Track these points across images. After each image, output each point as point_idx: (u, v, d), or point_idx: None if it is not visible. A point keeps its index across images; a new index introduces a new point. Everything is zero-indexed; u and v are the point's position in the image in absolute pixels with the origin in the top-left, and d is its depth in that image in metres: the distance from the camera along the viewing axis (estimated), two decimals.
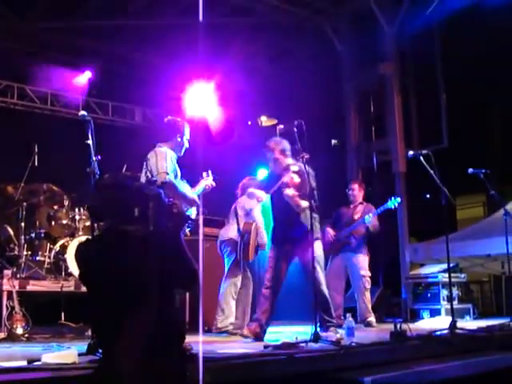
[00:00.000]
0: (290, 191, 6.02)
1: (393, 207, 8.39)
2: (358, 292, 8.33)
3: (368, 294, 8.37)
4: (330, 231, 8.47)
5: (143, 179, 5.45)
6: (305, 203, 6.02)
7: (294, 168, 6.14)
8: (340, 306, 8.35)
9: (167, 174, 5.43)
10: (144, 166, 5.63)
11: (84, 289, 3.53)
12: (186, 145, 5.91)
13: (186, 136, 5.93)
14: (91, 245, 3.51)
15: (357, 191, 8.77)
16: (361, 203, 8.75)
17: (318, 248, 6.26)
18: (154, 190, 3.11)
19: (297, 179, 6.07)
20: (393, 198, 8.38)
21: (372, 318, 8.25)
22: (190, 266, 3.28)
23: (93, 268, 3.11)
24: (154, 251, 2.89)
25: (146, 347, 2.79)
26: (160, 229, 3.11)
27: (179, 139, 5.83)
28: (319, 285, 6.10)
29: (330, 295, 8.21)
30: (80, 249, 3.54)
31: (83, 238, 7.72)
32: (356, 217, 8.58)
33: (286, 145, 6.31)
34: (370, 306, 8.35)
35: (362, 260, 8.47)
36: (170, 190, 5.34)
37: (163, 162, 5.50)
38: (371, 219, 8.33)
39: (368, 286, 8.39)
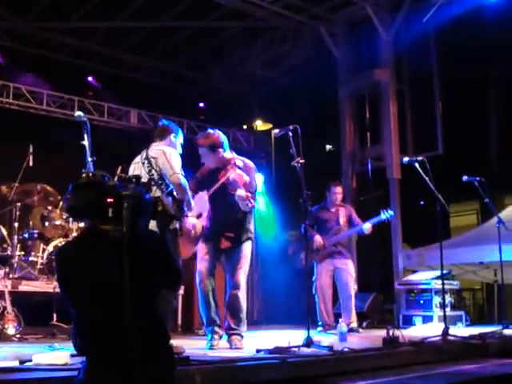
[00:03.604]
0: (241, 192, 5.77)
1: (386, 220, 8.38)
2: (347, 297, 8.28)
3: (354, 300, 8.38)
4: (320, 239, 8.40)
5: (145, 178, 5.36)
6: (254, 202, 5.90)
7: (239, 163, 6.05)
8: (331, 312, 8.36)
9: (182, 175, 5.39)
10: (146, 165, 5.50)
11: None
12: (179, 149, 5.84)
13: (180, 140, 5.86)
14: (70, 246, 3.49)
15: (341, 195, 8.72)
16: (341, 205, 8.72)
17: (249, 249, 6.11)
18: (132, 189, 3.07)
19: (246, 177, 5.97)
20: (386, 212, 8.36)
21: (355, 324, 8.24)
22: (173, 266, 3.26)
23: (70, 269, 3.08)
24: (131, 251, 2.86)
25: (128, 349, 2.77)
26: (139, 228, 3.08)
27: (173, 139, 5.77)
28: (236, 288, 5.92)
29: (321, 304, 8.28)
30: (58, 251, 3.53)
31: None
32: (342, 221, 8.54)
33: (224, 137, 6.13)
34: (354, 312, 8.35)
35: (351, 265, 8.49)
36: (181, 192, 5.31)
37: (176, 162, 5.41)
38: (369, 228, 8.34)
39: (355, 291, 8.43)
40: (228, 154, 6.12)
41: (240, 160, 6.12)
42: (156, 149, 5.58)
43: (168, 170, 5.35)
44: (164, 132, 5.80)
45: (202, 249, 6.08)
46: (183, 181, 5.35)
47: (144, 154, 5.62)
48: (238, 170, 5.97)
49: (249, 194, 5.76)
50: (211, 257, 6.04)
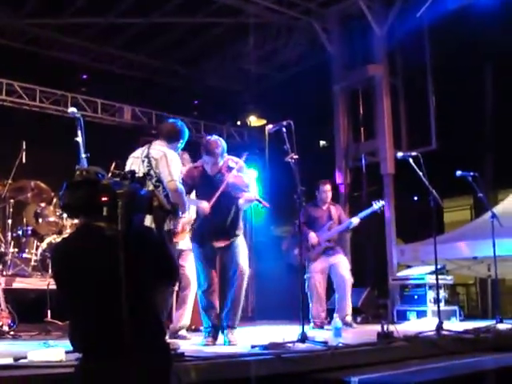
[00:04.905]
0: (249, 195, 5.92)
1: (378, 210, 8.38)
2: (343, 291, 8.26)
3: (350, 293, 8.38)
4: (314, 236, 8.38)
5: (141, 174, 5.33)
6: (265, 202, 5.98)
7: (232, 164, 6.02)
8: (324, 309, 8.35)
9: (179, 182, 5.37)
10: (146, 164, 5.47)
11: None
12: (178, 151, 5.84)
13: (182, 145, 5.86)
14: (65, 243, 3.48)
15: (330, 192, 8.71)
16: (331, 204, 8.71)
17: (244, 241, 6.16)
18: (126, 187, 3.06)
19: (246, 179, 6.00)
20: (377, 202, 8.37)
21: (350, 318, 8.24)
22: (170, 262, 3.26)
23: (66, 266, 3.08)
24: (126, 248, 2.86)
25: (125, 344, 2.76)
26: (134, 224, 3.07)
27: (179, 145, 5.74)
28: (241, 274, 5.92)
29: (313, 301, 8.28)
30: (54, 248, 3.53)
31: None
32: (333, 218, 8.54)
33: (224, 143, 6.10)
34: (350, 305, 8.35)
35: (346, 260, 8.49)
36: (177, 198, 5.29)
37: (176, 168, 5.39)
38: (355, 224, 8.36)
39: (352, 283, 8.42)
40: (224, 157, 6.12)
41: (232, 161, 6.09)
42: (159, 149, 5.53)
43: (166, 176, 5.31)
44: (174, 136, 5.72)
45: (198, 254, 6.08)
46: (180, 188, 5.32)
47: (146, 150, 5.57)
48: (235, 171, 5.96)
49: (257, 196, 5.81)
50: (209, 261, 6.02)
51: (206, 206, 5.85)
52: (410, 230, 12.00)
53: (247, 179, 5.99)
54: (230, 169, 6.00)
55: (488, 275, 10.20)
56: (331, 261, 8.37)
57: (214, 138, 6.08)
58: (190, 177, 6.10)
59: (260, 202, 5.88)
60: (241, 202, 6.01)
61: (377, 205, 8.32)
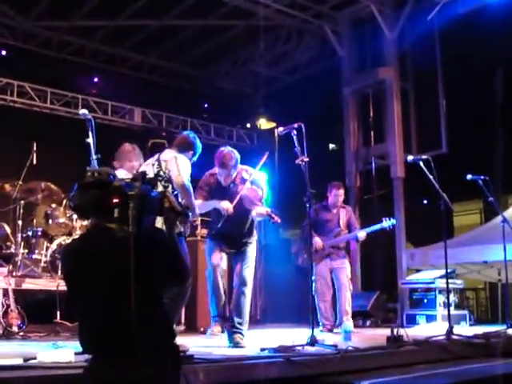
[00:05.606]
0: (261, 209, 5.90)
1: (387, 228, 8.29)
2: (340, 296, 8.22)
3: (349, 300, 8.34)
4: (319, 241, 8.35)
5: (152, 175, 5.37)
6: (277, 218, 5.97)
7: (245, 175, 6.01)
8: (330, 312, 8.32)
9: (188, 179, 5.40)
10: (156, 166, 5.53)
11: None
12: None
13: (194, 158, 5.86)
14: (75, 243, 3.48)
15: (343, 197, 8.61)
16: (341, 206, 8.63)
17: (255, 249, 6.17)
18: (138, 188, 3.06)
19: (260, 192, 5.99)
20: (388, 220, 8.26)
21: (350, 322, 8.20)
22: (180, 263, 3.25)
23: (76, 266, 3.08)
24: (137, 250, 2.86)
25: (134, 345, 2.76)
26: (144, 226, 3.07)
27: (190, 155, 5.76)
28: (244, 285, 5.94)
29: (321, 303, 8.25)
30: (64, 248, 3.53)
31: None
32: (342, 223, 8.49)
33: (237, 155, 6.08)
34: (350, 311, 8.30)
35: (347, 265, 8.45)
36: (184, 194, 5.33)
37: (185, 169, 5.43)
38: (363, 236, 8.30)
39: (351, 291, 8.38)
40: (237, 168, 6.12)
41: (246, 172, 6.08)
42: (169, 153, 5.61)
43: (175, 172, 5.36)
44: (186, 147, 5.76)
45: (211, 245, 6.13)
46: (187, 184, 5.35)
47: (156, 156, 5.65)
48: (248, 184, 5.95)
49: (269, 210, 5.81)
50: (220, 252, 6.06)
51: (229, 205, 5.84)
52: (420, 234, 11.96)
53: (261, 192, 5.99)
54: (243, 180, 5.99)
55: (498, 280, 10.15)
56: (333, 265, 8.35)
57: (228, 149, 6.06)
58: (207, 183, 6.12)
59: (271, 216, 5.87)
60: (253, 214, 6.03)
61: (387, 223, 8.18)
